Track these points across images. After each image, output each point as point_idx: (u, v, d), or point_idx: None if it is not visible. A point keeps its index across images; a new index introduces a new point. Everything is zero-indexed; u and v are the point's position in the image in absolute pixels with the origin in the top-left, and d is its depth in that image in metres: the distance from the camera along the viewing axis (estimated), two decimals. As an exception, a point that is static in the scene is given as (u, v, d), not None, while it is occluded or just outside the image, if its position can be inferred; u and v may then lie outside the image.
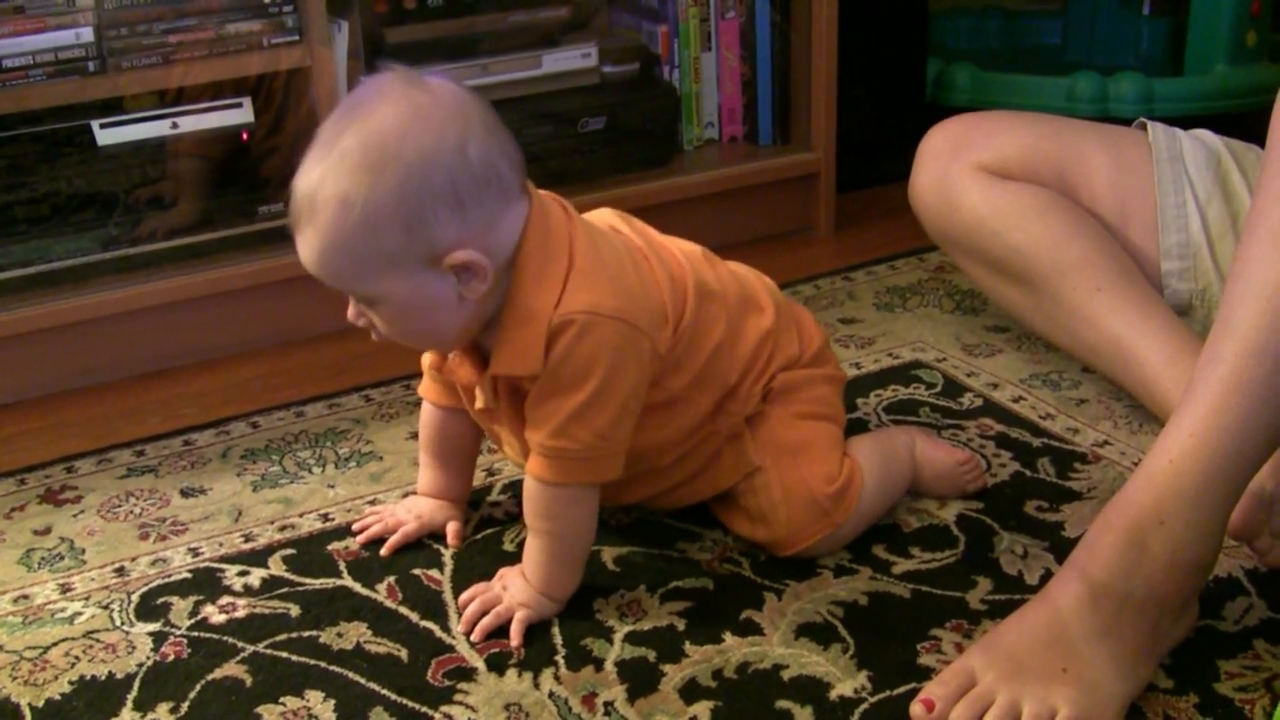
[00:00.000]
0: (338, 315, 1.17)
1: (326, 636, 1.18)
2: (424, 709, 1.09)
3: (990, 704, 1.02)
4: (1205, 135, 1.53)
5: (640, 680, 1.11)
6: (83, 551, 1.34)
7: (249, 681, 1.13)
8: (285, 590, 1.26)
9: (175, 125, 1.73)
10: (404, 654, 1.16)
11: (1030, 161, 1.54)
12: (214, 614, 1.22)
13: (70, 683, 1.14)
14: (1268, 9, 2.24)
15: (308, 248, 1.09)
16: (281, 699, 1.11)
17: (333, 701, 1.11)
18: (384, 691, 1.11)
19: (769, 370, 1.26)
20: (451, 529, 1.31)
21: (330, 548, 1.32)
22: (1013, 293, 1.56)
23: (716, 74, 2.07)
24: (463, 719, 1.08)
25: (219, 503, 1.41)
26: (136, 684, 1.14)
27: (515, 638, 1.16)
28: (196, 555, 1.32)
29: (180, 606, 1.24)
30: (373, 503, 1.39)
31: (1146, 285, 1.47)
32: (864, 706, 1.08)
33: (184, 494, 1.43)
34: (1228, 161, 1.50)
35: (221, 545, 1.34)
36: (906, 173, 1.63)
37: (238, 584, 1.27)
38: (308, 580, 1.27)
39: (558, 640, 1.17)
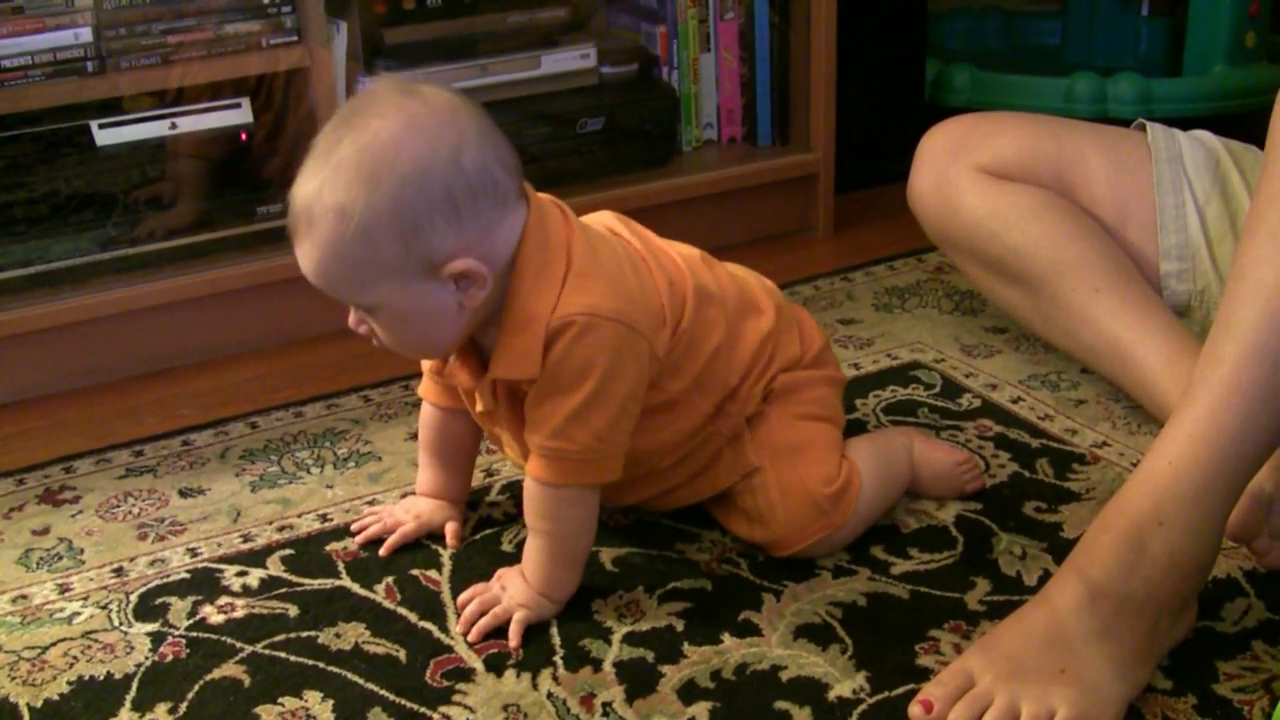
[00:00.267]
0: (336, 316, 1.17)
1: (325, 637, 1.18)
2: (422, 709, 1.09)
3: (989, 705, 1.02)
4: (1204, 136, 1.53)
5: (639, 681, 1.11)
6: (81, 552, 1.34)
7: (247, 682, 1.13)
8: (284, 591, 1.25)
9: (174, 126, 1.73)
10: (402, 654, 1.16)
11: (1029, 162, 1.54)
12: (212, 614, 1.22)
13: (69, 683, 1.14)
14: (1266, 10, 2.24)
15: (306, 259, 1.09)
16: (280, 699, 1.11)
17: (331, 702, 1.11)
18: (382, 692, 1.11)
19: (769, 372, 1.26)
20: (450, 529, 1.31)
21: (329, 548, 1.32)
22: (1011, 293, 1.56)
23: (715, 75, 2.07)
24: (461, 719, 1.08)
25: (217, 503, 1.41)
26: (135, 684, 1.14)
27: (514, 638, 1.16)
28: (195, 555, 1.32)
29: (179, 607, 1.24)
30: (371, 503, 1.39)
31: (1145, 286, 1.47)
32: (862, 707, 1.08)
33: (182, 494, 1.43)
34: (1227, 162, 1.50)
35: (220, 545, 1.34)
36: (905, 173, 1.63)
37: (236, 584, 1.27)
38: (306, 581, 1.27)
39: (556, 641, 1.17)
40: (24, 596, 1.27)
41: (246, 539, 1.34)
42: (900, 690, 1.09)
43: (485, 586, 1.21)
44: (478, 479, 1.39)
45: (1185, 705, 1.06)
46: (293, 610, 1.22)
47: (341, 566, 1.29)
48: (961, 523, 1.31)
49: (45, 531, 1.38)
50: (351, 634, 1.19)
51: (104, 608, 1.24)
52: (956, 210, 1.56)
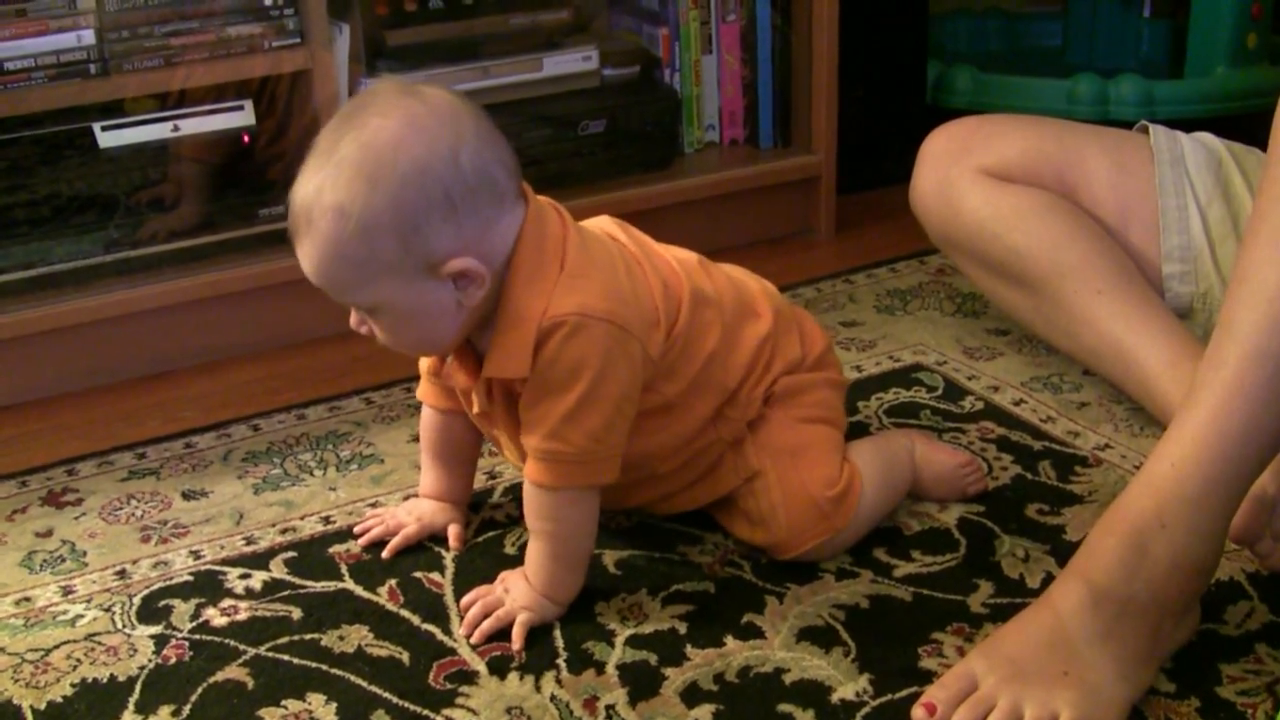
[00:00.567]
0: (338, 318, 1.17)
1: (328, 639, 1.18)
2: (425, 712, 1.09)
3: (992, 707, 1.02)
4: (1206, 138, 1.53)
5: (642, 683, 1.11)
6: (84, 554, 1.34)
7: (251, 684, 1.13)
8: (287, 593, 1.26)
9: (177, 128, 1.73)
10: (405, 657, 1.16)
11: (1031, 164, 1.54)
12: (215, 617, 1.22)
13: (72, 685, 1.14)
14: (1268, 11, 2.24)
15: (306, 259, 1.10)
16: (283, 702, 1.11)
17: (334, 704, 1.11)
18: (385, 694, 1.11)
19: (769, 374, 1.26)
20: (453, 532, 1.31)
21: (332, 550, 1.32)
22: (1013, 295, 1.56)
23: (717, 77, 2.07)
24: (464, 722, 1.09)
25: (220, 505, 1.41)
26: (138, 687, 1.14)
27: (516, 641, 1.16)
28: (198, 558, 1.32)
29: (182, 609, 1.24)
30: (374, 505, 1.39)
31: (1147, 288, 1.47)
32: (865, 710, 1.08)
33: (185, 496, 1.43)
34: (1229, 164, 1.50)
35: (223, 548, 1.34)
36: (907, 175, 1.63)
37: (239, 587, 1.27)
38: (309, 583, 1.27)
39: (559, 643, 1.17)
40: (27, 599, 1.27)
41: (249, 541, 1.34)
42: (903, 693, 1.09)
43: (488, 589, 1.21)
44: (480, 481, 1.39)
45: (1188, 708, 1.06)
46: (296, 613, 1.22)
47: (344, 569, 1.29)
48: (964, 525, 1.31)
49: (48, 534, 1.38)
50: (354, 636, 1.19)
51: (107, 610, 1.24)
52: (958, 212, 1.56)
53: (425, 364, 1.28)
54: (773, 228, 2.08)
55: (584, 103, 1.95)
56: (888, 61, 2.19)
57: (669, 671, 1.13)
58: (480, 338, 1.16)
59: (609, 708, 1.09)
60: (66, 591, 1.28)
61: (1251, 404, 1.02)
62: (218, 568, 1.30)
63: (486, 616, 1.18)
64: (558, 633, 1.18)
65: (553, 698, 1.10)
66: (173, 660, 1.17)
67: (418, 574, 1.27)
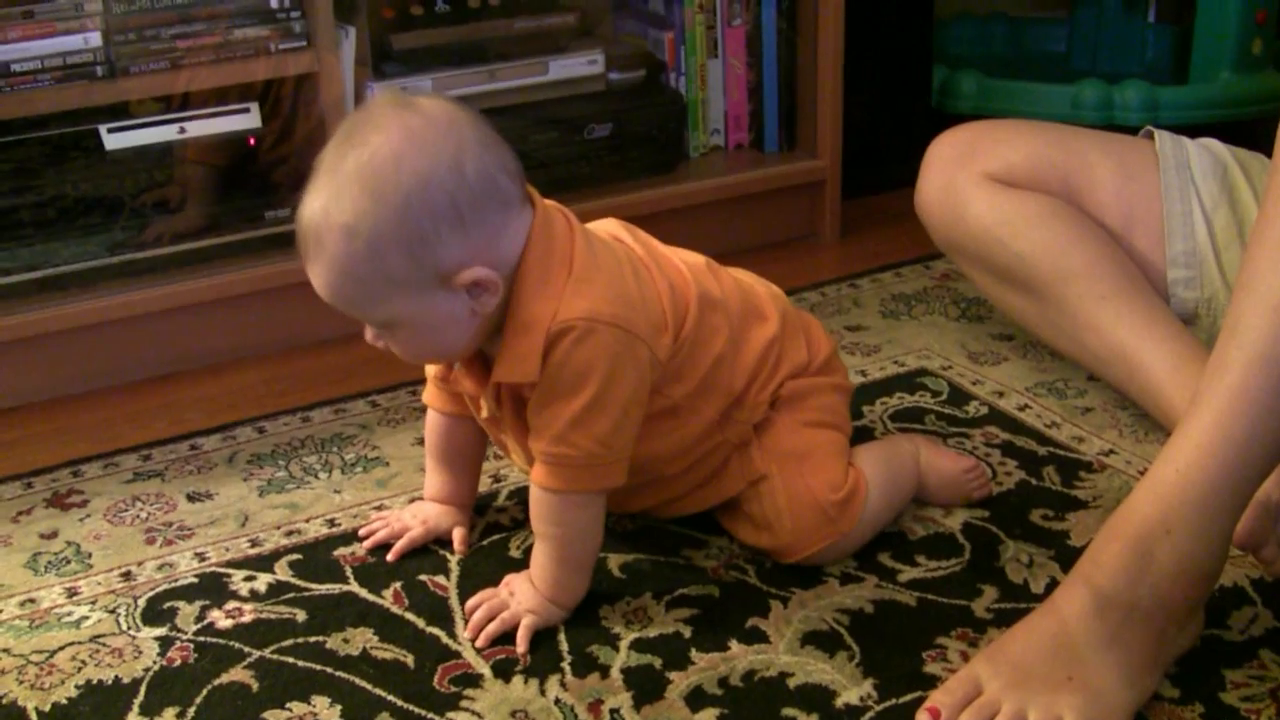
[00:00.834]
0: (343, 321, 1.17)
1: (333, 642, 1.19)
2: (430, 715, 1.09)
3: (996, 712, 1.02)
4: (1212, 144, 1.53)
5: (646, 687, 1.11)
6: (89, 556, 1.34)
7: (255, 687, 1.14)
8: (292, 595, 1.26)
9: (183, 130, 1.73)
10: (410, 660, 1.16)
11: (1036, 170, 1.54)
12: (220, 619, 1.23)
13: (77, 687, 1.15)
14: (1273, 17, 2.24)
15: (318, 280, 1.10)
16: (288, 704, 1.11)
17: (339, 707, 1.11)
18: (390, 697, 1.12)
19: (775, 378, 1.26)
20: (458, 535, 1.31)
21: (337, 553, 1.32)
22: (1018, 300, 1.56)
23: (722, 81, 2.07)
24: (469, 725, 1.09)
25: (225, 508, 1.41)
26: (143, 689, 1.14)
27: (521, 644, 1.16)
28: (203, 560, 1.32)
29: (187, 611, 1.24)
30: (379, 508, 1.39)
31: (1152, 294, 1.47)
32: (869, 714, 1.08)
33: (190, 499, 1.43)
34: (1234, 170, 1.50)
35: (228, 550, 1.34)
36: (912, 179, 1.63)
37: (244, 589, 1.27)
38: (314, 585, 1.27)
39: (564, 647, 1.17)
40: (32, 600, 1.27)
41: (254, 544, 1.35)
42: (907, 697, 1.09)
43: (493, 592, 1.21)
44: (485, 484, 1.39)
45: (1192, 714, 1.06)
46: (300, 615, 1.23)
47: (349, 571, 1.29)
48: (968, 530, 1.32)
49: (53, 535, 1.38)
50: (359, 639, 1.19)
51: (112, 612, 1.25)
52: (963, 217, 1.56)
53: (432, 369, 1.28)
54: (778, 232, 2.08)
55: (589, 106, 1.95)
56: (893, 66, 2.19)
57: (673, 675, 1.13)
58: (489, 343, 1.16)
59: (613, 711, 1.09)
60: (71, 593, 1.28)
61: (1256, 410, 1.02)
62: (222, 570, 1.30)
63: (491, 620, 1.18)
64: (562, 636, 1.18)
65: (557, 701, 1.10)
66: (177, 662, 1.17)
67: (423, 577, 1.27)
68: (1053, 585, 1.20)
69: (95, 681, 1.15)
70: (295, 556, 1.32)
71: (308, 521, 1.38)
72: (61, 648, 1.20)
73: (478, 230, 1.08)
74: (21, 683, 1.15)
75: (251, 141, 1.81)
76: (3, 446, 1.58)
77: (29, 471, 1.50)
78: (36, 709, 1.12)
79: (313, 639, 1.19)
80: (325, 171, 1.08)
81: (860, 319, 1.79)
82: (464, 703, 1.11)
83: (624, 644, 1.17)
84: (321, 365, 1.75)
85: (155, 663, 1.17)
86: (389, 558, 1.30)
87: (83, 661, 1.18)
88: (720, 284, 1.26)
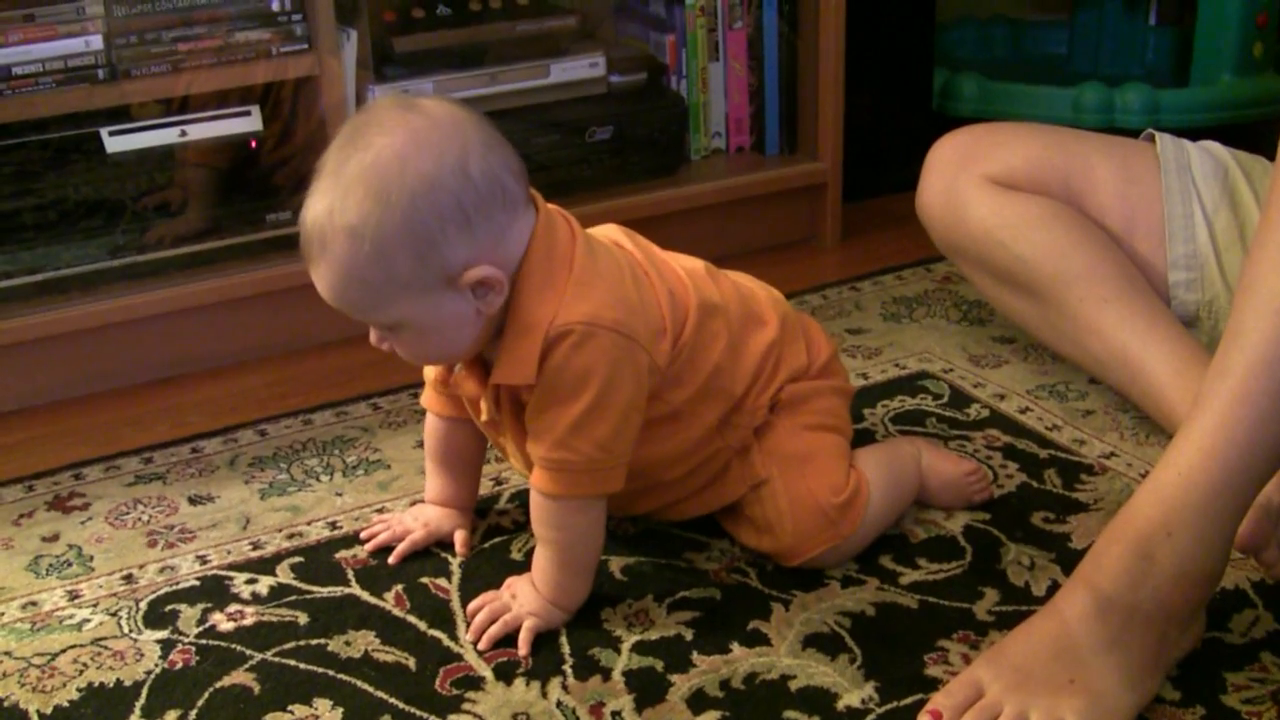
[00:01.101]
0: (345, 324, 1.17)
1: (334, 645, 1.19)
2: (432, 717, 1.09)
3: (997, 715, 1.02)
4: (1213, 147, 1.53)
5: (648, 690, 1.11)
6: (91, 558, 1.34)
7: (257, 689, 1.14)
8: (293, 598, 1.26)
9: (184, 133, 1.73)
10: (412, 662, 1.16)
11: (1037, 172, 1.54)
12: (222, 622, 1.23)
13: (78, 689, 1.15)
14: (1274, 20, 2.24)
15: (323, 283, 1.10)
16: (290, 707, 1.11)
17: (341, 710, 1.11)
18: (392, 700, 1.12)
19: (775, 382, 1.26)
20: (459, 537, 1.31)
21: (338, 556, 1.32)
22: (1019, 303, 1.56)
23: (724, 84, 2.07)
24: (470, 728, 1.09)
25: (227, 510, 1.41)
26: (144, 691, 1.14)
27: (523, 646, 1.16)
28: (204, 563, 1.32)
29: (188, 614, 1.24)
30: (380, 511, 1.40)
31: (1153, 296, 1.47)
32: (871, 717, 1.08)
33: (192, 501, 1.44)
34: (1235, 173, 1.50)
35: (229, 553, 1.34)
36: (913, 182, 1.63)
37: (246, 592, 1.27)
38: (316, 588, 1.27)
39: (565, 650, 1.17)
40: (34, 603, 1.27)
41: (256, 546, 1.35)
42: (909, 700, 1.09)
43: (495, 594, 1.21)
44: (486, 487, 1.39)
45: (1194, 716, 1.06)
46: (302, 618, 1.23)
47: (351, 574, 1.29)
48: (970, 533, 1.32)
49: (55, 538, 1.38)
50: (361, 642, 1.19)
51: (114, 614, 1.25)
52: (964, 220, 1.56)
53: (431, 372, 1.28)
54: (779, 235, 2.08)
55: (591, 109, 1.95)
56: (894, 69, 2.20)
57: (675, 678, 1.13)
58: (489, 345, 1.16)
59: (615, 714, 1.09)
60: (73, 596, 1.28)
61: (1258, 413, 1.02)
62: (224, 573, 1.30)
63: (493, 622, 1.18)
64: (564, 639, 1.18)
65: (559, 704, 1.10)
66: (179, 665, 1.17)
67: (424, 579, 1.27)
68: (1054, 588, 1.20)
69: (97, 684, 1.15)
70: (297, 559, 1.32)
71: (309, 524, 1.38)
72: (63, 650, 1.20)
73: (483, 231, 1.08)
74: (23, 685, 1.15)
75: (253, 144, 1.81)
76: (4, 449, 1.58)
77: (31, 474, 1.50)
78: (38, 711, 1.12)
79: (314, 641, 1.19)
80: (329, 174, 1.08)
81: (861, 322, 1.79)
82: (466, 705, 1.11)
83: (626, 646, 1.17)
84: (323, 368, 1.75)
85: (157, 665, 1.17)
86: (391, 560, 1.30)
87: (84, 664, 1.18)
88: (720, 289, 1.26)
